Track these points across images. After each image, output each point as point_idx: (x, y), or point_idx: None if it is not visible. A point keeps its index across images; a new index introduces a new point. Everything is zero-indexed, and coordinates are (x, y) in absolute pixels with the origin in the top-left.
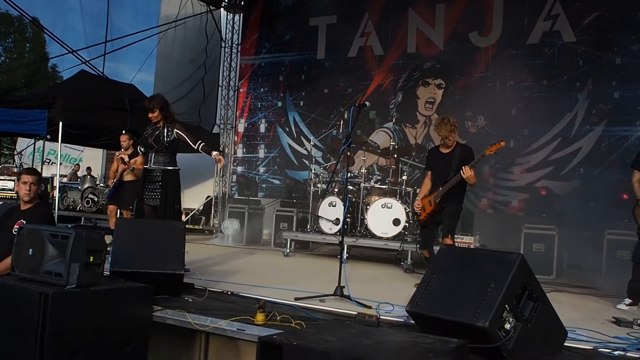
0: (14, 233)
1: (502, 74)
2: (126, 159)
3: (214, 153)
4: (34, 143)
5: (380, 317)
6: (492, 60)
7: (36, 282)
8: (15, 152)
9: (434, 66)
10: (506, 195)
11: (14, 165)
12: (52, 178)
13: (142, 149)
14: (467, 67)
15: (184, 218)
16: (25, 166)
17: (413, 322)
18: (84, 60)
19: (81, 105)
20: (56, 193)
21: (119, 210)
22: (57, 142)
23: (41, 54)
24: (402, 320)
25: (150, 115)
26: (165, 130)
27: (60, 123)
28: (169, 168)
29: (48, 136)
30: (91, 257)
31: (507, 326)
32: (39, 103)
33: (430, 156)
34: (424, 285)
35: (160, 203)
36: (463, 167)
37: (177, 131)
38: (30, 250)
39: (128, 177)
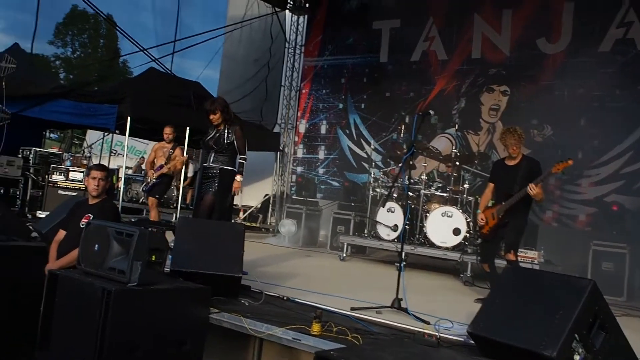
0: (82, 227)
1: (571, 82)
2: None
3: (238, 177)
4: (103, 136)
5: (440, 335)
6: (560, 67)
7: (100, 278)
8: (86, 145)
9: (499, 72)
10: (573, 209)
11: (83, 156)
12: (118, 170)
13: (204, 149)
14: (534, 74)
15: (241, 215)
16: (93, 157)
17: (473, 342)
18: (153, 58)
19: (149, 101)
20: (121, 185)
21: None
22: (125, 135)
23: (113, 50)
24: (462, 339)
25: (211, 117)
26: (226, 132)
27: (129, 118)
28: (227, 168)
29: (117, 131)
30: (153, 256)
31: (577, 357)
32: (110, 98)
33: (495, 168)
34: (487, 305)
35: (214, 195)
36: (529, 185)
37: (235, 135)
38: (96, 245)
39: (165, 171)
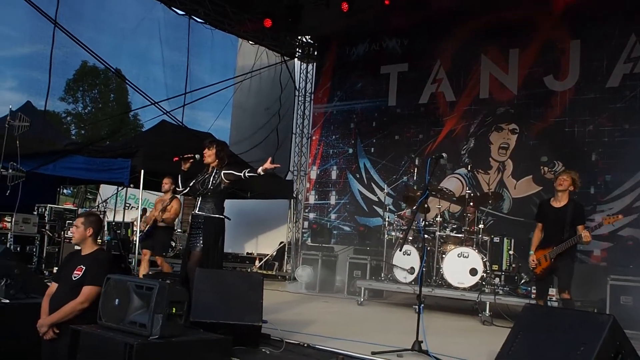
0: (74, 279)
1: (580, 118)
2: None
3: (260, 169)
4: (117, 191)
5: None
6: (569, 104)
7: (121, 332)
8: (100, 200)
9: (508, 111)
10: (587, 245)
11: (98, 211)
12: (132, 223)
13: (191, 194)
14: (543, 112)
15: (257, 263)
16: (108, 212)
17: None
18: (165, 111)
19: (161, 154)
20: (136, 238)
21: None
22: (138, 189)
23: (124, 104)
24: None
25: (206, 151)
26: (213, 174)
27: (142, 171)
28: (212, 215)
29: (131, 185)
30: (174, 309)
31: None
32: (123, 152)
33: (542, 209)
34: (509, 344)
35: (202, 251)
36: (584, 234)
37: (223, 173)
38: (117, 300)
39: (161, 223)
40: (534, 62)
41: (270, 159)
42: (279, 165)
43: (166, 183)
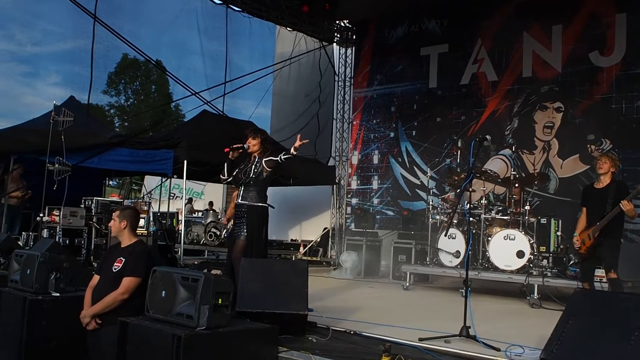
0: (114, 270)
1: (628, 94)
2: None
3: (292, 148)
4: (161, 181)
5: None
6: (615, 80)
7: (169, 324)
8: (145, 191)
9: (552, 89)
10: (638, 223)
11: (144, 202)
12: (177, 213)
13: (234, 183)
14: (588, 89)
15: (301, 250)
16: (153, 202)
17: None
18: (205, 101)
19: (203, 144)
20: (181, 227)
21: None
22: (182, 179)
23: (165, 95)
24: None
25: (251, 141)
26: (254, 163)
27: (185, 161)
28: (255, 204)
29: (174, 176)
30: (220, 299)
31: None
32: (165, 143)
33: (586, 193)
34: (560, 330)
35: (246, 239)
36: (622, 202)
37: (264, 160)
38: (163, 292)
39: None
40: (579, 38)
41: (299, 136)
42: (307, 141)
43: None
